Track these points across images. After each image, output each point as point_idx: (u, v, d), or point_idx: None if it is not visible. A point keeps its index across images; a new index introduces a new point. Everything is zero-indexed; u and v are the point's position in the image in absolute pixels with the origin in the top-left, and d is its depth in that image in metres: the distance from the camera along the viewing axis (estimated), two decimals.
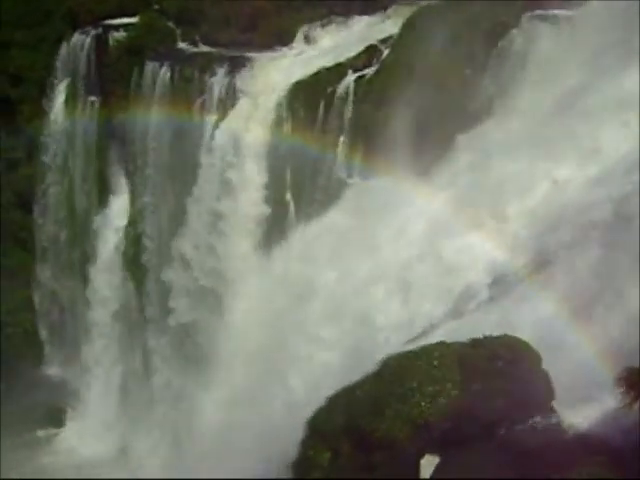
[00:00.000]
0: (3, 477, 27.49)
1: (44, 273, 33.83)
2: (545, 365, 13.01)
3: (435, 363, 12.10)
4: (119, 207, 30.97)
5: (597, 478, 10.39)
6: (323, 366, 18.65)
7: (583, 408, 12.36)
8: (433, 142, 21.95)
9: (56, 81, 32.00)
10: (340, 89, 24.18)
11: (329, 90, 24.33)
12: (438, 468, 12.00)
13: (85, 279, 32.14)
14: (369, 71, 24.31)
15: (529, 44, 21.35)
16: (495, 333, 13.24)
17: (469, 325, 15.69)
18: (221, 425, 22.22)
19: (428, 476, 11.96)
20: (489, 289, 17.46)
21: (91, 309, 32.00)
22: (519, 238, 18.02)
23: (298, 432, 12.97)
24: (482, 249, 18.31)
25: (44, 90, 32.25)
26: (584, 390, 12.62)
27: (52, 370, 34.18)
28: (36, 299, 34.21)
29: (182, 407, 27.21)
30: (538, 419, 12.53)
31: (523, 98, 20.71)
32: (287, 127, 24.81)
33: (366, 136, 23.39)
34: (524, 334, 13.34)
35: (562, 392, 12.86)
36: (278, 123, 24.86)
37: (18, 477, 28.92)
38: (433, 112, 21.96)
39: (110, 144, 31.04)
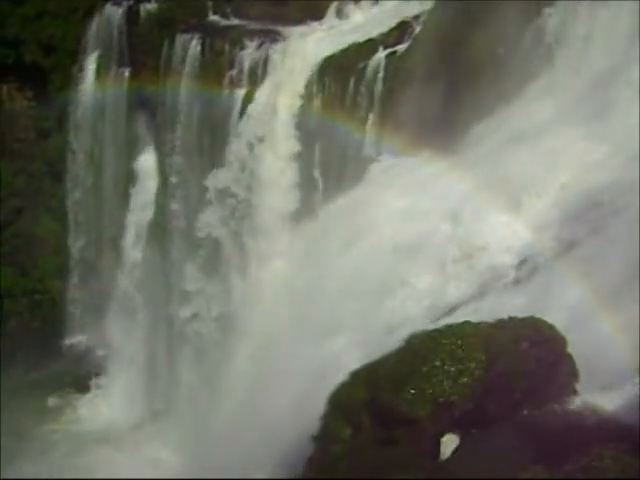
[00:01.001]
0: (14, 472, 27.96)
1: (73, 242, 34.25)
2: (570, 348, 12.93)
3: (459, 342, 12.05)
4: (148, 178, 31.19)
5: (620, 462, 10.33)
6: (346, 341, 18.73)
7: (607, 394, 12.28)
8: (463, 121, 21.72)
9: (87, 52, 32.15)
10: (371, 65, 24.02)
11: (360, 66, 24.19)
12: (458, 447, 12.03)
13: (113, 249, 32.51)
14: (400, 47, 24.11)
15: (564, 24, 20.97)
16: (521, 315, 13.16)
17: (494, 306, 15.63)
18: (247, 395, 22.44)
19: (448, 454, 11.99)
20: (516, 270, 17.34)
21: (118, 279, 32.39)
22: (548, 220, 17.84)
23: (320, 406, 13.06)
24: (510, 230, 18.17)
25: (75, 60, 32.44)
26: (608, 375, 12.55)
27: (78, 338, 34.70)
28: (65, 267, 34.67)
29: (207, 378, 27.53)
30: (561, 402, 12.47)
31: (557, 79, 20.40)
32: (317, 102, 24.75)
33: (396, 113, 23.23)
34: (550, 317, 13.22)
35: (586, 376, 12.79)
36: (308, 98, 24.81)
37: (44, 444, 29.59)
38: (464, 90, 21.74)
39: (139, 116, 31.23)
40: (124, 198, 31.93)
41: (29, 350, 32.07)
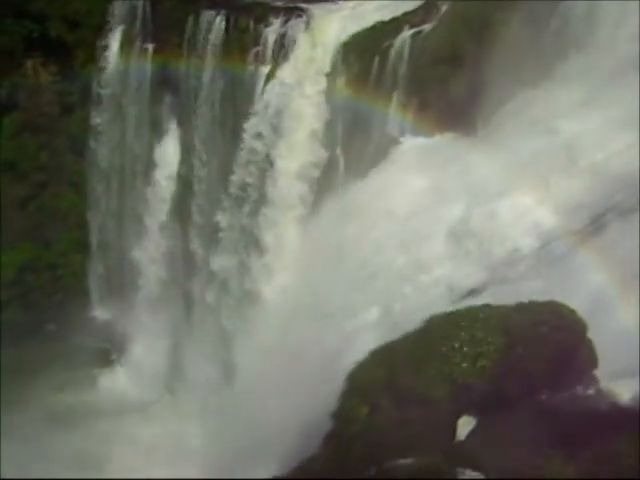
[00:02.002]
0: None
1: (95, 217, 34.51)
2: (590, 334, 12.84)
3: (479, 325, 12.04)
4: (170, 154, 31.28)
5: (636, 449, 10.29)
6: (366, 321, 18.76)
7: (625, 380, 12.21)
8: (489, 102, 21.50)
9: (112, 27, 32.15)
10: (396, 44, 23.76)
11: (385, 45, 23.94)
12: (475, 429, 12.04)
13: (135, 223, 32.71)
14: (426, 27, 23.80)
15: (593, 6, 20.60)
16: (541, 299, 13.08)
17: (515, 289, 15.55)
18: (265, 372, 22.58)
19: (464, 436, 12.01)
20: (537, 254, 17.22)
21: (140, 253, 32.61)
22: (572, 204, 17.66)
23: (338, 385, 13.12)
24: (532, 213, 18.02)
25: (99, 36, 32.46)
26: (628, 362, 12.46)
27: (100, 312, 35.08)
28: (87, 242, 34.95)
29: (227, 351, 27.75)
30: (579, 388, 12.43)
31: (585, 61, 20.08)
32: (340, 81, 24.60)
33: (420, 93, 23.05)
34: (571, 301, 13.13)
35: (605, 362, 12.71)
36: (332, 76, 24.66)
37: (66, 415, 30.00)
38: (490, 71, 21.47)
39: (163, 92, 31.24)
40: (146, 174, 32.07)
41: (51, 323, 32.44)
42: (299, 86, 25.22)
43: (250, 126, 26.54)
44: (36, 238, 35.17)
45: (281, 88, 25.71)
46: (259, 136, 26.41)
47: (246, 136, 26.73)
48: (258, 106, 26.37)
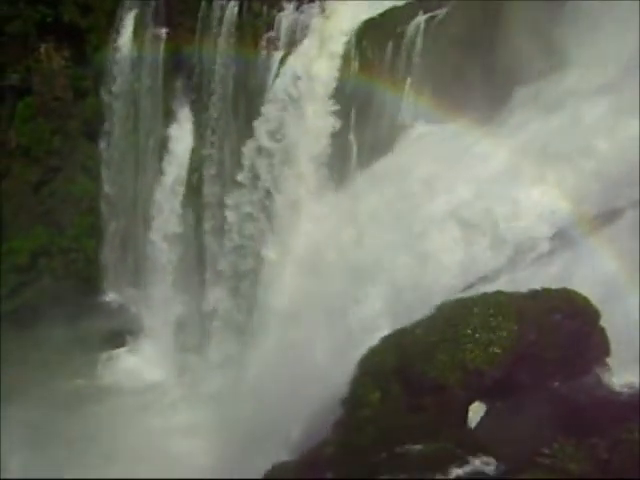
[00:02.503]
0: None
1: (108, 202, 34.59)
2: (603, 322, 12.80)
3: (491, 311, 12.02)
4: (183, 138, 31.27)
5: None
6: (378, 306, 18.76)
7: (638, 368, 12.18)
8: (503, 89, 21.34)
9: (124, 12, 32.08)
10: (410, 30, 23.61)
11: (398, 30, 23.81)
12: (486, 416, 12.05)
13: (147, 208, 32.78)
14: (440, 12, 23.62)
15: None
16: (554, 286, 13.04)
17: (528, 276, 15.51)
18: (277, 355, 22.64)
19: (475, 422, 12.02)
20: (550, 242, 17.14)
21: (152, 238, 32.71)
22: (585, 192, 17.55)
23: (350, 370, 13.14)
24: (546, 200, 17.93)
25: (112, 20, 32.41)
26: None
27: (112, 296, 35.21)
28: (100, 227, 35.08)
29: (238, 333, 27.85)
30: (591, 375, 12.42)
31: (601, 48, 19.86)
32: (354, 66, 24.49)
33: (433, 79, 22.91)
34: (584, 289, 13.10)
35: (618, 350, 12.67)
36: (345, 62, 24.55)
37: (77, 399, 30.23)
38: (505, 58, 21.30)
39: (176, 76, 31.19)
40: (159, 159, 32.06)
41: (64, 307, 32.58)
42: (312, 72, 25.11)
43: (263, 111, 26.48)
44: (49, 223, 35.33)
45: (294, 73, 25.62)
46: (272, 121, 26.35)
47: (259, 121, 26.68)
48: (271, 91, 26.29)
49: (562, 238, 17.14)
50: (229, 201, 28.55)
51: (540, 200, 18.02)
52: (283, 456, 14.90)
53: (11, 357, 31.07)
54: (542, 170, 18.30)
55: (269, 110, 26.32)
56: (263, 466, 14.14)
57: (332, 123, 24.94)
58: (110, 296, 35.19)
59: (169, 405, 29.83)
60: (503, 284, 14.57)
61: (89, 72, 34.10)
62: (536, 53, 20.91)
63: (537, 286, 13.06)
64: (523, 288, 13.11)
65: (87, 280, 35.05)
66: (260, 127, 26.72)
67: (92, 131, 34.23)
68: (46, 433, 27.82)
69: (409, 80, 23.35)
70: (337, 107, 24.76)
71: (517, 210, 18.16)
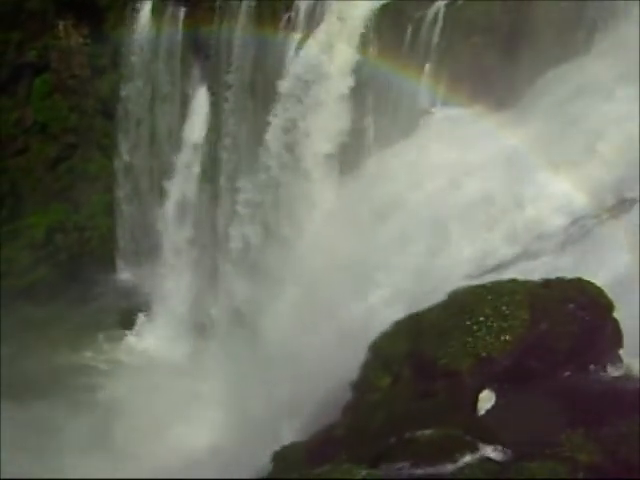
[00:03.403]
0: None
1: (123, 180, 34.69)
2: (616, 313, 12.74)
3: (505, 299, 11.98)
4: (199, 119, 31.25)
5: None
6: (391, 291, 18.77)
7: None
8: (523, 75, 21.19)
9: None
10: (429, 14, 23.42)
11: (418, 15, 23.62)
12: (496, 403, 12.05)
13: (162, 187, 32.87)
14: None
15: None
16: (568, 276, 12.98)
17: (542, 265, 15.46)
18: (288, 338, 22.71)
19: (485, 410, 12.02)
20: (566, 231, 17.05)
21: (166, 217, 32.82)
22: (601, 181, 17.43)
23: (361, 355, 13.18)
24: (562, 189, 17.83)
25: None
26: None
27: (126, 275, 35.44)
28: (115, 205, 35.22)
29: (250, 318, 27.95)
30: (603, 367, 12.37)
31: (626, 34, 19.62)
32: (372, 50, 24.36)
33: (453, 65, 22.76)
34: (598, 280, 13.02)
35: (631, 342, 12.62)
36: (363, 45, 24.42)
37: (90, 376, 30.51)
38: (526, 44, 21.12)
39: (193, 56, 31.14)
40: (176, 138, 32.09)
41: (78, 285, 32.85)
42: (330, 54, 25.00)
43: (280, 92, 26.40)
44: (65, 200, 35.56)
45: (312, 55, 25.50)
46: (289, 102, 26.28)
47: (277, 102, 26.61)
48: (289, 73, 26.19)
49: (577, 228, 17.05)
50: (244, 181, 28.57)
51: (556, 189, 17.92)
52: (292, 437, 15.01)
53: (24, 333, 31.40)
54: (559, 159, 18.18)
55: (286, 91, 26.25)
56: (272, 447, 14.25)
57: (349, 107, 24.85)
58: (124, 275, 35.42)
59: (180, 384, 30.03)
60: (517, 273, 14.50)
61: (107, 50, 34.12)
62: (556, 41, 20.73)
63: (551, 276, 13.00)
64: (537, 277, 13.07)
65: (101, 258, 35.28)
66: (277, 108, 26.68)
67: (109, 109, 34.32)
68: (55, 409, 28.16)
69: (428, 65, 23.21)
70: (354, 90, 24.68)
71: (533, 198, 18.08)
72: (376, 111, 24.58)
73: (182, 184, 31.99)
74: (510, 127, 20.38)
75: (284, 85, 26.29)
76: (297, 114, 26.03)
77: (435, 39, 23.24)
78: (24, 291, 33.65)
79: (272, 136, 27.04)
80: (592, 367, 12.39)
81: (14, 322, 31.43)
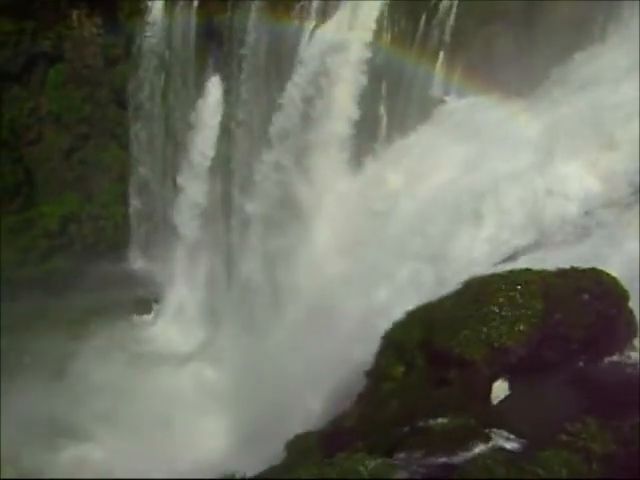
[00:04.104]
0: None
1: (137, 169, 34.77)
2: (632, 303, 12.65)
3: (519, 289, 11.94)
4: (213, 106, 31.22)
5: None
6: (404, 280, 18.74)
7: None
8: (537, 64, 21.04)
9: None
10: (444, 2, 23.24)
11: (432, 2, 23.45)
12: (510, 392, 12.03)
13: (176, 175, 32.94)
14: None
15: None
16: (584, 266, 12.91)
17: (557, 255, 15.35)
18: (302, 324, 22.75)
19: (499, 399, 12.01)
20: (580, 220, 16.93)
21: (180, 206, 32.91)
22: (618, 171, 17.27)
23: (375, 343, 13.18)
24: (578, 179, 17.69)
25: None
26: None
27: (139, 263, 35.60)
28: (128, 194, 35.33)
29: (265, 301, 28.01)
30: (618, 356, 12.31)
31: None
32: (386, 38, 24.22)
33: (467, 53, 22.62)
34: (613, 270, 12.95)
35: None
36: (377, 33, 24.28)
37: (104, 363, 30.73)
38: (540, 33, 20.95)
39: (207, 44, 31.08)
40: (188, 127, 32.11)
41: (92, 274, 33.02)
42: (343, 42, 24.88)
43: (293, 79, 26.32)
44: (79, 189, 35.73)
45: (325, 44, 25.39)
46: (302, 90, 26.21)
47: (289, 89, 26.54)
48: (302, 61, 26.09)
49: (593, 217, 16.92)
50: (257, 166, 28.54)
51: (572, 179, 17.79)
52: (306, 426, 15.04)
53: (39, 321, 31.64)
54: (575, 148, 18.04)
55: (299, 79, 26.17)
56: (286, 435, 14.29)
57: (362, 94, 24.75)
58: (137, 263, 35.58)
59: (193, 372, 30.18)
60: (532, 262, 14.44)
61: (120, 40, 34.13)
62: (571, 30, 20.53)
63: (566, 264, 12.94)
64: (552, 267, 13.00)
65: (115, 247, 35.47)
66: (290, 95, 26.61)
67: (122, 99, 34.36)
68: (71, 392, 28.42)
69: (442, 53, 23.07)
70: (368, 78, 24.56)
71: (549, 188, 17.96)
72: (390, 99, 24.47)
73: (196, 170, 32.02)
74: (524, 116, 20.25)
75: (297, 72, 26.20)
76: (310, 101, 25.94)
77: (449, 27, 23.08)
78: (39, 280, 33.88)
79: (285, 122, 26.96)
80: (607, 357, 12.34)
81: (29, 310, 31.70)
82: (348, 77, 24.79)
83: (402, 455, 10.32)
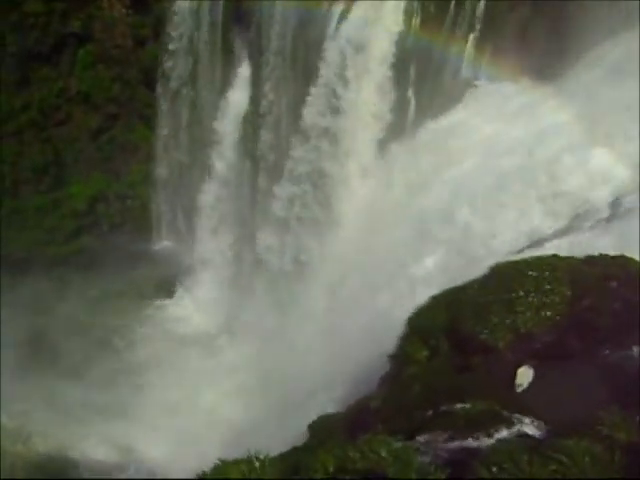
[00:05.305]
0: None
1: (165, 150, 34.90)
2: None
3: (546, 275, 11.82)
4: (240, 89, 31.21)
5: None
6: (431, 264, 18.68)
7: None
8: (568, 49, 20.73)
9: None
10: None
11: None
12: (535, 380, 11.96)
13: (203, 157, 33.01)
14: None
15: None
16: (611, 253, 12.78)
17: (585, 242, 15.22)
18: (327, 306, 22.79)
19: (523, 386, 11.95)
20: (610, 208, 16.74)
21: (205, 187, 33.02)
22: None
23: (399, 327, 13.16)
24: (607, 166, 17.50)
25: None
26: None
27: (165, 244, 35.84)
28: (155, 174, 35.52)
29: (289, 283, 28.07)
30: None
31: None
32: (416, 21, 23.99)
33: (497, 37, 22.36)
34: None
35: None
36: (407, 16, 24.06)
37: (128, 343, 31.11)
38: (571, 19, 20.63)
39: (235, 27, 31.02)
40: (216, 109, 32.12)
41: (119, 253, 33.30)
42: (373, 25, 24.67)
43: (321, 64, 26.19)
44: (107, 169, 35.99)
45: (354, 27, 25.20)
46: (331, 73, 26.07)
47: (319, 71, 26.42)
48: (331, 44, 25.94)
49: (622, 204, 16.73)
50: (286, 150, 28.51)
51: (602, 165, 17.60)
52: (329, 408, 15.11)
53: (65, 301, 32.04)
54: (605, 134, 17.81)
55: (328, 61, 26.03)
56: (308, 417, 14.36)
57: (391, 78, 24.58)
58: (163, 244, 35.83)
59: (217, 353, 30.39)
60: (559, 248, 14.33)
61: (149, 21, 34.21)
62: (604, 15, 20.19)
63: (594, 252, 12.82)
64: (580, 253, 12.89)
65: (141, 228, 35.73)
66: (320, 78, 26.48)
67: (150, 79, 34.46)
68: (93, 373, 28.82)
69: (472, 36, 22.83)
70: (397, 61, 24.37)
71: (576, 174, 17.78)
72: (418, 83, 24.30)
73: (223, 154, 32.07)
74: (554, 101, 20.03)
75: (326, 55, 26.06)
76: (339, 84, 25.81)
77: (480, 10, 22.81)
78: (65, 259, 34.27)
79: (313, 105, 26.86)
80: (633, 345, 12.21)
81: (55, 287, 32.13)
82: (377, 60, 24.61)
83: (424, 438, 10.32)
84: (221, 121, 31.87)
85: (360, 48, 24.98)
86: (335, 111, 26.17)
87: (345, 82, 25.63)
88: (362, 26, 24.96)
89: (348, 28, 25.33)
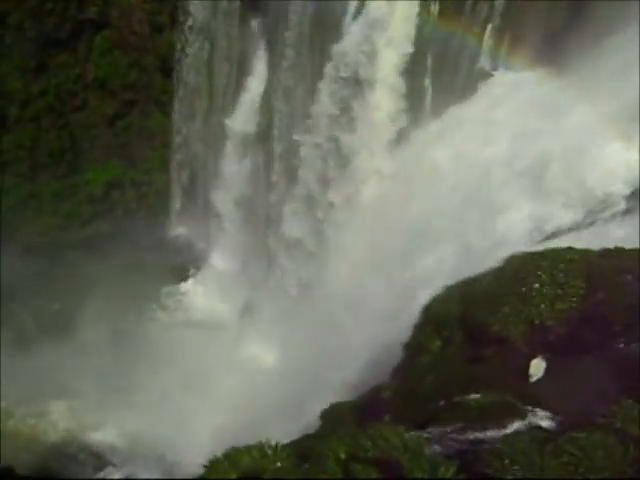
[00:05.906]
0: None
1: (180, 136, 34.97)
2: None
3: (561, 267, 11.81)
4: (257, 77, 31.19)
5: None
6: (443, 255, 18.66)
7: None
8: (586, 40, 20.50)
9: None
10: None
11: None
12: (548, 371, 11.96)
13: (218, 143, 33.05)
14: None
15: None
16: (627, 246, 12.72)
17: (600, 234, 15.17)
18: (341, 296, 22.80)
19: (536, 378, 11.95)
20: (627, 201, 16.65)
21: (221, 174, 33.07)
22: None
23: (413, 317, 13.19)
24: (624, 159, 17.35)
25: None
26: None
27: (180, 230, 35.96)
28: (171, 161, 35.61)
29: (303, 272, 28.09)
30: None
31: None
32: (434, 10, 23.83)
33: (516, 26, 22.18)
34: None
35: None
36: (425, 5, 23.90)
37: (142, 329, 31.30)
38: (589, 8, 20.42)
39: (252, 15, 30.93)
40: (232, 96, 32.13)
41: (134, 239, 33.45)
42: (391, 13, 24.54)
43: (338, 51, 26.11)
44: (123, 156, 36.08)
45: (372, 15, 25.07)
46: (348, 62, 25.98)
47: (334, 61, 26.36)
48: (349, 31, 25.84)
49: (637, 199, 16.63)
50: (301, 140, 28.48)
51: (617, 158, 17.47)
52: (342, 397, 15.17)
53: (81, 285, 32.26)
54: (623, 126, 17.67)
55: (344, 51, 25.93)
56: (321, 405, 14.44)
57: (408, 67, 24.46)
58: (178, 230, 35.96)
59: (232, 339, 30.52)
60: (574, 240, 14.27)
61: (166, 7, 34.11)
62: (620, 7, 19.96)
63: (610, 244, 12.76)
64: (595, 246, 12.84)
65: (157, 214, 35.86)
66: (335, 68, 26.40)
67: (167, 66, 34.45)
68: (104, 359, 29.04)
69: (490, 26, 22.67)
70: (414, 50, 24.25)
71: (594, 167, 17.66)
72: (435, 72, 24.18)
73: (238, 139, 32.09)
74: (572, 92, 19.85)
75: (343, 43, 25.96)
76: (356, 73, 25.71)
77: (498, 0, 22.64)
78: (81, 244, 34.49)
79: (327, 92, 26.78)
80: None
81: (69, 273, 32.37)
82: (393, 49, 24.49)
83: (436, 429, 10.36)
84: (237, 109, 31.86)
85: (378, 36, 24.83)
86: (349, 100, 26.04)
87: (361, 71, 25.48)
88: (380, 14, 24.80)
89: (365, 17, 25.19)
